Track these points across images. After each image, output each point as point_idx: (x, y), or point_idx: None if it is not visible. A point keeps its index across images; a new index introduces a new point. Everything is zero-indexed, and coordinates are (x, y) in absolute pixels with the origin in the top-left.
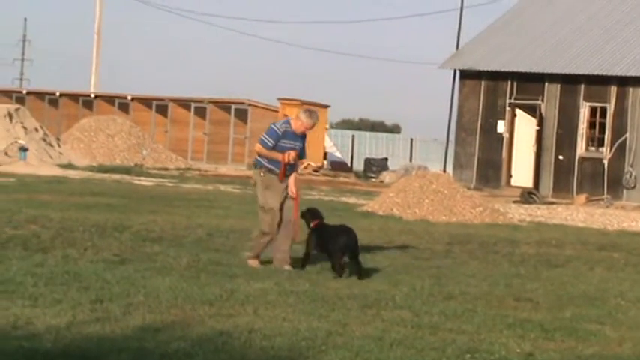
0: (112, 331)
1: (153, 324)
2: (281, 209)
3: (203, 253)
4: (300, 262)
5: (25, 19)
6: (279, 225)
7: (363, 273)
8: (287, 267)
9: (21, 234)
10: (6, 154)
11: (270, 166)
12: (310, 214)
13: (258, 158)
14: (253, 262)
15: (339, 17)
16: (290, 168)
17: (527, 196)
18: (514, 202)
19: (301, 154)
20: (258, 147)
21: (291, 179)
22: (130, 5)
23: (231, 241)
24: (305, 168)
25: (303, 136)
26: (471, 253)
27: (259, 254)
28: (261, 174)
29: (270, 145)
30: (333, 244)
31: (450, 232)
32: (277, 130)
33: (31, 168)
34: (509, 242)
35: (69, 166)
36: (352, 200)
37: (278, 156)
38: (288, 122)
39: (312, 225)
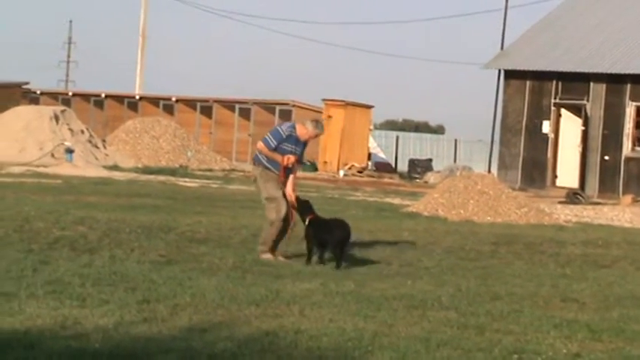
0: (159, 331)
1: (199, 324)
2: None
3: (249, 254)
4: (305, 258)
5: (71, 22)
6: (288, 216)
7: (341, 264)
8: (265, 257)
9: (68, 235)
10: (52, 155)
11: (268, 165)
12: (305, 208)
13: (258, 155)
14: (267, 256)
15: (383, 17)
16: (288, 171)
17: (573, 197)
18: (559, 202)
19: (300, 160)
20: (260, 145)
21: (289, 182)
22: (175, 7)
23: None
24: (349, 169)
25: (304, 143)
26: (516, 253)
27: (273, 247)
28: (260, 169)
29: (273, 145)
30: (331, 237)
31: (495, 233)
32: (282, 133)
33: (77, 169)
34: (555, 243)
35: (114, 168)
36: (397, 201)
37: (278, 158)
38: (293, 126)
39: (308, 219)
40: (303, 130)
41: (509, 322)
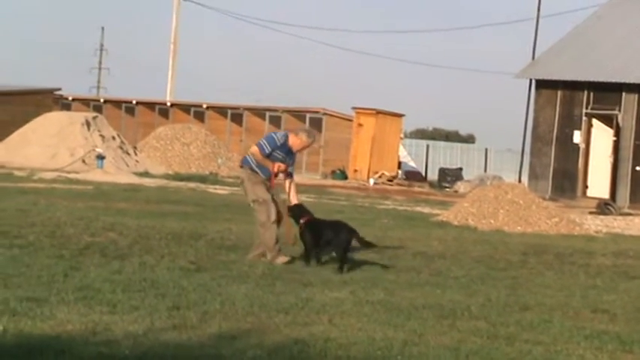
0: (189, 338)
1: (229, 332)
2: (275, 204)
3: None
4: (303, 261)
5: (103, 28)
6: (279, 218)
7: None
8: (278, 260)
9: (99, 241)
10: (83, 161)
11: (256, 169)
12: (299, 211)
13: (248, 158)
14: (281, 259)
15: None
16: (278, 179)
17: (604, 207)
18: (590, 212)
19: (289, 170)
20: (254, 149)
21: (292, 190)
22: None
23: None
24: (379, 177)
25: (294, 154)
26: (546, 263)
27: (279, 248)
28: (248, 172)
29: (267, 151)
30: (337, 240)
31: (525, 243)
32: (276, 140)
33: (108, 176)
34: (586, 253)
35: (145, 174)
36: (427, 210)
37: (269, 164)
38: (286, 136)
39: (303, 221)
40: (297, 141)
41: (539, 333)
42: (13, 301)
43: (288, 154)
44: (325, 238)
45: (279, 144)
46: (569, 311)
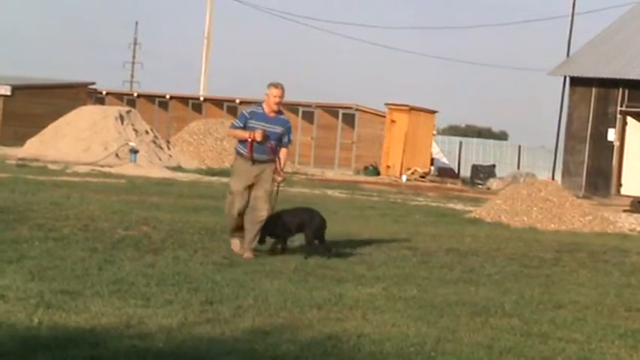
0: (222, 332)
1: (262, 327)
2: (248, 195)
3: (311, 257)
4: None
5: (136, 23)
6: (242, 211)
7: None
8: (247, 255)
9: (132, 235)
10: (117, 155)
11: (240, 150)
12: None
13: (236, 145)
14: (234, 243)
15: (447, 23)
16: (261, 150)
17: (638, 205)
18: (624, 210)
19: (283, 141)
20: (229, 131)
21: (280, 160)
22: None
23: (339, 246)
24: (412, 174)
25: (281, 122)
26: (580, 261)
27: (235, 234)
28: (236, 156)
29: (236, 125)
30: (309, 226)
31: (558, 241)
32: (244, 113)
33: (141, 170)
34: (620, 251)
35: (178, 169)
36: (459, 206)
37: (245, 134)
38: (259, 105)
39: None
40: (266, 99)
41: (572, 331)
42: (47, 294)
43: (269, 121)
44: (294, 226)
45: (247, 115)
46: (604, 309)
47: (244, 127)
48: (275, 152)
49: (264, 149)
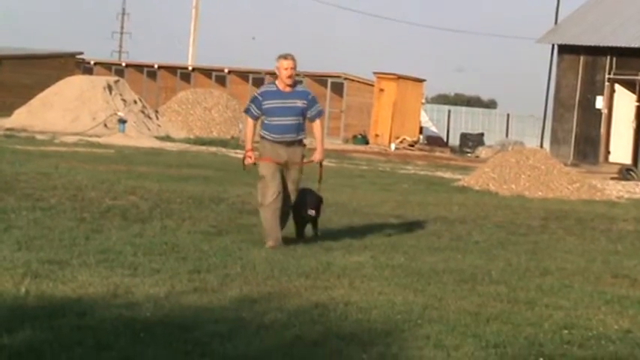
0: (210, 301)
1: (249, 295)
2: (283, 181)
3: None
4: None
5: None
6: (278, 196)
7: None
8: (271, 244)
9: (120, 204)
10: (105, 125)
11: (264, 134)
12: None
13: (260, 130)
14: (269, 244)
15: None
16: (285, 128)
17: (626, 173)
18: (612, 178)
19: (310, 115)
20: (245, 122)
21: (318, 142)
22: None
23: (326, 214)
24: (401, 142)
25: (301, 94)
26: (567, 229)
27: (271, 234)
28: (261, 142)
29: (248, 107)
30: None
31: (546, 208)
32: (257, 96)
33: (130, 139)
34: (607, 219)
35: (166, 138)
36: (448, 175)
37: (248, 146)
38: (272, 82)
39: None
40: (278, 74)
41: (559, 298)
42: (35, 264)
43: (287, 97)
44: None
45: (260, 97)
46: (590, 276)
47: (261, 113)
48: (300, 130)
49: (288, 127)
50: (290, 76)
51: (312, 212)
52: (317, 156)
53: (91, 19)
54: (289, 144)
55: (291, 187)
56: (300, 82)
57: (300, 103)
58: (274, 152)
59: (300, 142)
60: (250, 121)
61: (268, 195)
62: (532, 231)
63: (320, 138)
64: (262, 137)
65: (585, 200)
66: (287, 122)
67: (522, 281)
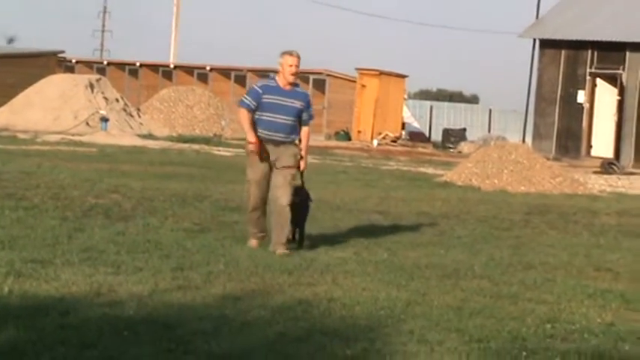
0: (193, 299)
1: (233, 292)
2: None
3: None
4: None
5: None
6: (260, 203)
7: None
8: (280, 251)
9: (103, 203)
10: (87, 124)
11: (259, 131)
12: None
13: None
14: (251, 243)
15: None
16: (276, 126)
17: (608, 167)
18: (594, 172)
19: (303, 118)
20: (238, 112)
21: (303, 144)
22: None
23: (311, 212)
24: (383, 138)
25: (300, 95)
26: (550, 223)
27: (253, 233)
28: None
29: (247, 102)
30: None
31: (528, 203)
32: (257, 88)
33: (112, 138)
34: (589, 212)
35: (149, 136)
36: (430, 170)
37: (251, 135)
38: (272, 78)
39: None
40: (281, 70)
41: (542, 292)
42: (17, 263)
43: (287, 95)
44: None
45: (260, 90)
46: (573, 270)
47: (257, 106)
48: (293, 131)
49: (280, 125)
50: (294, 74)
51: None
52: (302, 165)
53: (72, 18)
54: (279, 143)
55: (279, 181)
56: (297, 84)
57: (298, 104)
58: (262, 151)
59: (291, 142)
60: (245, 112)
61: (250, 204)
62: (515, 225)
63: (306, 146)
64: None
65: (567, 194)
66: (280, 121)
67: (505, 276)
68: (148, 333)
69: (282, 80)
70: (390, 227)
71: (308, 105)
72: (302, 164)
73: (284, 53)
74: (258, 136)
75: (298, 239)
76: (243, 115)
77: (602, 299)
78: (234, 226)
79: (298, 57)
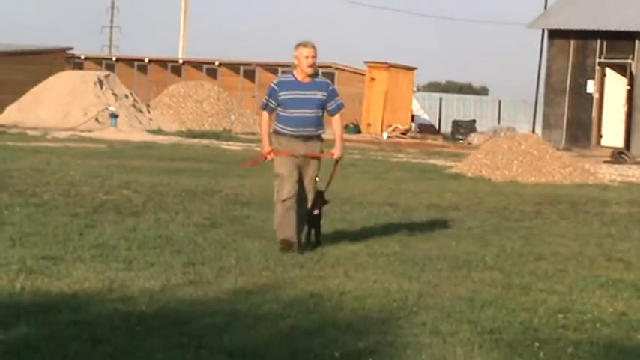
0: (205, 293)
1: (245, 286)
2: (300, 180)
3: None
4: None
5: None
6: (293, 195)
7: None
8: (281, 236)
9: (113, 199)
10: (97, 120)
11: (280, 128)
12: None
13: (275, 123)
14: (280, 237)
15: None
16: (302, 121)
17: (618, 156)
18: (604, 162)
19: (330, 108)
20: (260, 116)
21: (337, 140)
22: None
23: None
24: (393, 131)
25: (320, 85)
26: (560, 213)
27: (281, 228)
28: (275, 137)
29: (266, 102)
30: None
31: (539, 193)
32: (273, 86)
33: (122, 134)
34: (600, 202)
35: (158, 132)
36: (440, 162)
37: (265, 144)
38: (289, 72)
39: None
40: (298, 63)
41: (553, 282)
42: (29, 260)
43: (306, 87)
44: None
45: (277, 88)
46: (584, 260)
47: (277, 105)
48: (320, 123)
49: (305, 120)
50: (311, 65)
51: (315, 212)
52: (336, 152)
53: (80, 14)
54: (307, 139)
55: (308, 186)
56: (317, 74)
57: (320, 95)
58: (290, 148)
59: (318, 137)
60: (265, 115)
61: (284, 192)
62: (525, 216)
63: (340, 133)
64: (276, 132)
65: (578, 184)
66: (305, 115)
67: (516, 266)
68: (160, 328)
69: (299, 73)
70: (401, 219)
71: (333, 93)
72: (337, 151)
73: (298, 45)
74: (285, 134)
75: (315, 241)
76: (263, 121)
77: (614, 289)
78: (245, 220)
79: (314, 47)
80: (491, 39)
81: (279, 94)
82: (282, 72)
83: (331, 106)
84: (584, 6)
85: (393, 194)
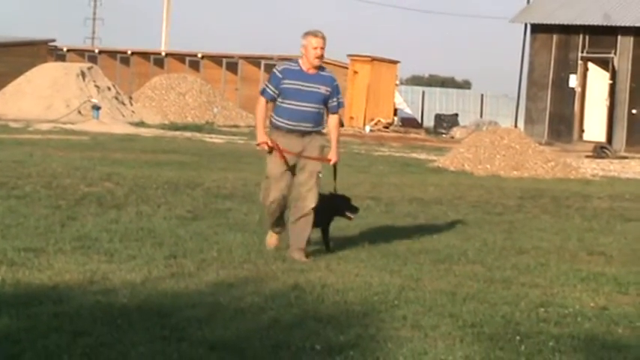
0: (186, 286)
1: (226, 279)
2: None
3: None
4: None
5: None
6: (282, 200)
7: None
8: (298, 257)
9: (95, 191)
10: (79, 112)
11: (277, 121)
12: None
13: (271, 115)
14: (270, 241)
15: None
16: (301, 115)
17: (600, 151)
18: (586, 156)
19: (331, 105)
20: (257, 105)
21: (332, 141)
22: None
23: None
24: (375, 124)
25: (325, 79)
26: (542, 207)
27: (271, 230)
28: (271, 132)
29: (268, 91)
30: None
31: (521, 187)
32: (276, 72)
33: (104, 126)
34: (582, 197)
35: (141, 124)
36: (423, 156)
37: (261, 133)
38: (295, 61)
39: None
40: (305, 52)
41: (535, 276)
42: (10, 252)
43: (311, 79)
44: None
45: (280, 75)
46: (566, 254)
47: (278, 93)
48: (320, 119)
49: (304, 114)
50: (319, 57)
51: (352, 216)
52: (333, 157)
53: (63, 6)
54: (305, 134)
55: (309, 182)
56: (323, 67)
57: (323, 89)
58: (285, 144)
59: (318, 132)
60: (262, 102)
61: (269, 197)
62: (507, 210)
63: (336, 135)
64: (272, 124)
65: (560, 179)
66: (305, 109)
67: (498, 260)
68: (141, 321)
69: (305, 64)
70: (383, 213)
71: (336, 90)
72: (333, 156)
73: (307, 34)
74: (281, 127)
75: (325, 244)
76: (260, 108)
77: (595, 283)
78: (227, 213)
79: (324, 38)
80: (474, 33)
81: (282, 81)
82: (288, 60)
83: (332, 103)
84: (567, 0)
85: (376, 187)
